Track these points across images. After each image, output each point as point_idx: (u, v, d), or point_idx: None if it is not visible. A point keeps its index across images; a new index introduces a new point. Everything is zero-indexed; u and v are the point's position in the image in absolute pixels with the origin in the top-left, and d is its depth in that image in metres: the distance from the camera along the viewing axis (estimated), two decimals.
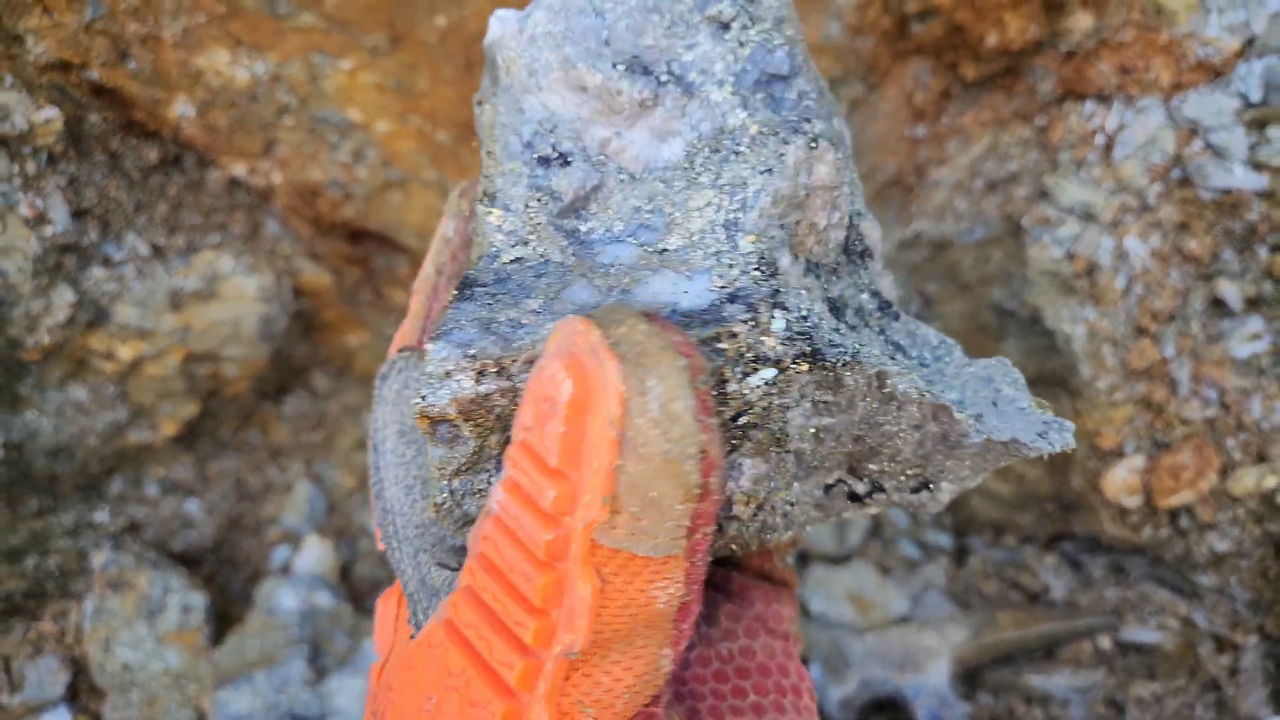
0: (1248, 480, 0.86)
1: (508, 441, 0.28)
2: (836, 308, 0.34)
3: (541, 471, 0.24)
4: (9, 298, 0.81)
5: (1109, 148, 0.91)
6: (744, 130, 0.31)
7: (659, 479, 0.23)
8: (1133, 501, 0.91)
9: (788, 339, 0.28)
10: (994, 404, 0.34)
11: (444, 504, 0.30)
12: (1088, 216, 0.91)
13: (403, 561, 0.35)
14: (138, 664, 0.95)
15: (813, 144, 0.31)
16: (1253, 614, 0.89)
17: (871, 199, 1.05)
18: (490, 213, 0.32)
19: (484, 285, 0.30)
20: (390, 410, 0.35)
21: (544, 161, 0.33)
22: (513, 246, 0.32)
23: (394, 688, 0.29)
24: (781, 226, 0.31)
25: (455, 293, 0.30)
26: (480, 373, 0.27)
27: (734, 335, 0.27)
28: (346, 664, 0.95)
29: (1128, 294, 0.89)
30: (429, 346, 0.27)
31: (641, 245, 0.31)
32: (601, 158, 0.33)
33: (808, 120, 0.31)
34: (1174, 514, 0.91)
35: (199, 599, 0.97)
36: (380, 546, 0.36)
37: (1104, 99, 0.91)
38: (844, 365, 0.29)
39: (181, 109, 0.86)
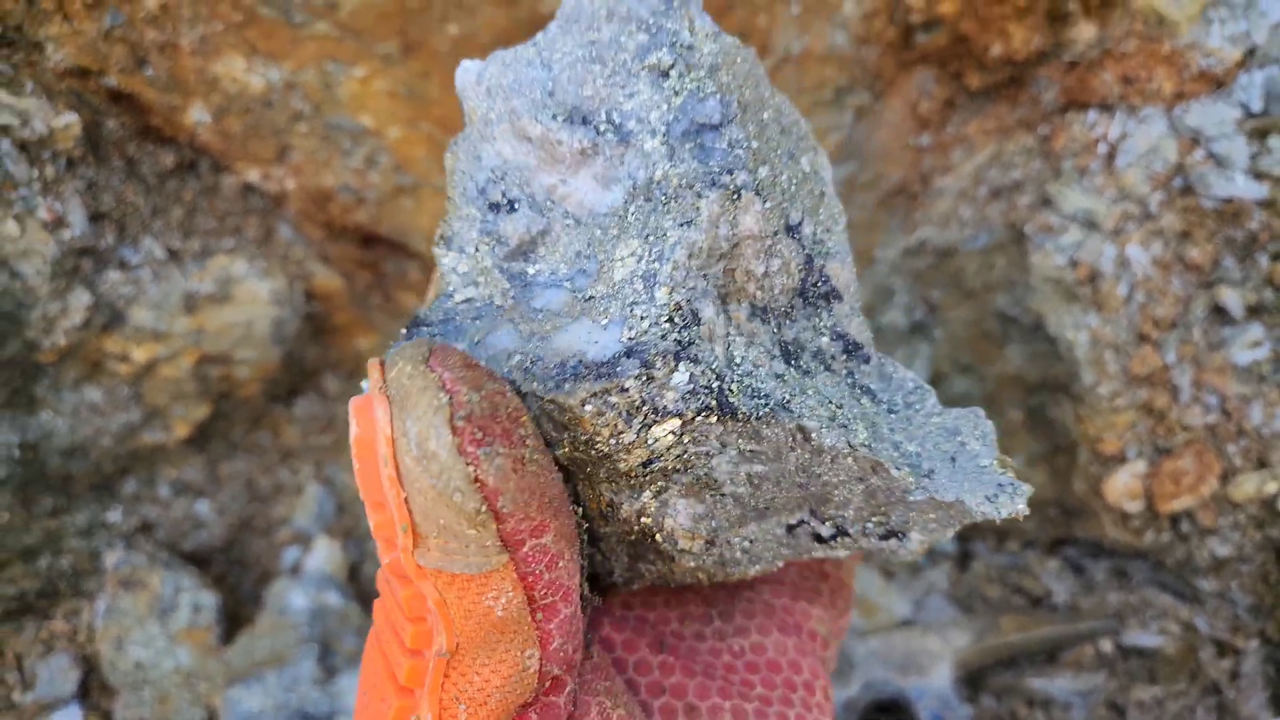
0: (1248, 486, 0.87)
1: None
2: (790, 351, 0.34)
3: (368, 503, 0.27)
4: (27, 300, 0.83)
5: (1111, 156, 0.92)
6: (668, 181, 0.31)
7: (438, 509, 0.25)
8: (1134, 506, 0.92)
9: (689, 393, 0.28)
10: (953, 459, 0.34)
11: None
12: (1090, 224, 0.92)
13: None
14: (149, 662, 0.96)
15: (734, 196, 0.31)
16: (1253, 618, 0.89)
17: (876, 207, 1.06)
18: (446, 255, 0.34)
19: (429, 325, 0.32)
20: None
21: (494, 207, 0.34)
22: (465, 288, 0.33)
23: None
24: (704, 277, 0.31)
25: (404, 330, 0.32)
26: None
27: (624, 390, 0.28)
28: (356, 663, 0.97)
29: (1130, 301, 0.90)
30: (364, 384, 0.29)
31: (574, 291, 0.32)
32: (549, 203, 0.33)
33: (731, 172, 0.31)
34: (1175, 519, 0.92)
35: (210, 598, 0.98)
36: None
37: (1107, 108, 0.92)
38: (758, 418, 0.30)
39: (197, 115, 0.88)
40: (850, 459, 0.31)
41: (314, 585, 1.00)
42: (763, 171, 0.33)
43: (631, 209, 0.32)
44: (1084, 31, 0.89)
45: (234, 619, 1.02)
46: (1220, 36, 0.86)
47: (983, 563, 1.09)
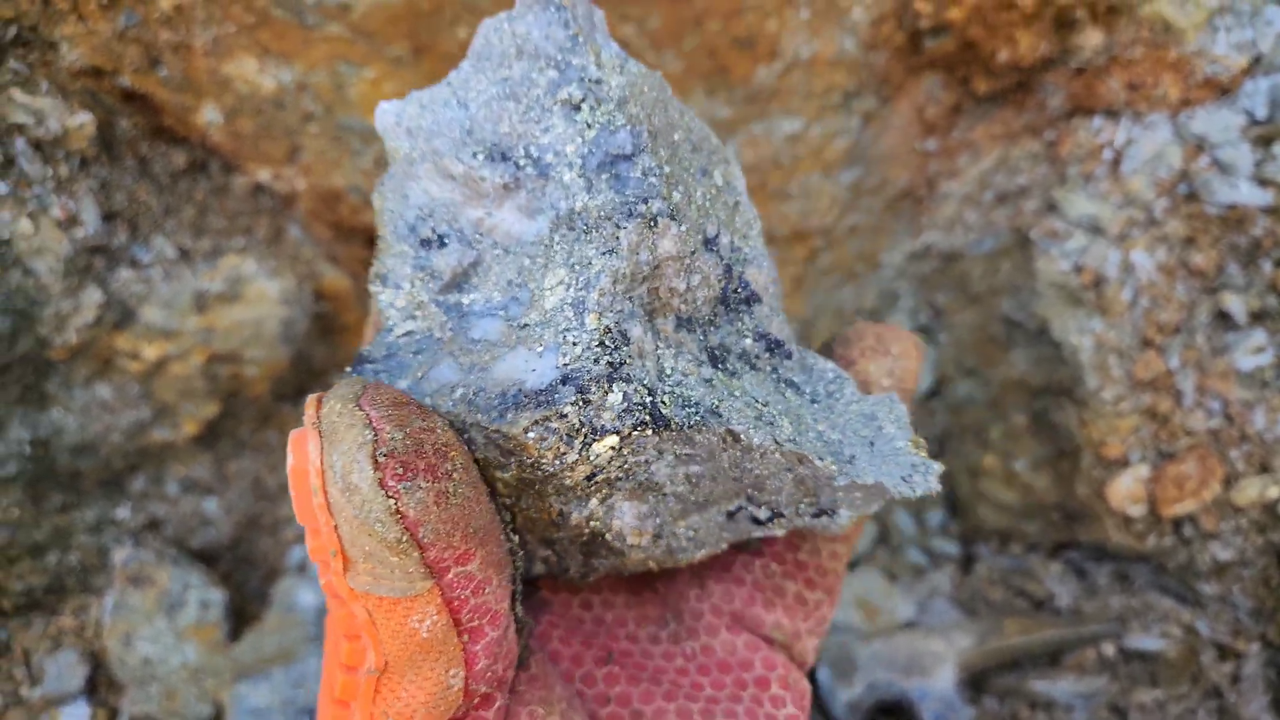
0: (1251, 490, 0.87)
1: None
2: (716, 356, 0.36)
3: (306, 528, 0.29)
4: (40, 297, 0.83)
5: (1117, 162, 0.92)
6: (588, 212, 0.33)
7: (362, 537, 0.27)
8: (1137, 510, 0.92)
9: (624, 410, 0.30)
10: (871, 443, 0.36)
11: None
12: (1095, 230, 0.92)
13: None
14: (157, 658, 0.97)
15: (651, 224, 0.32)
16: (1255, 622, 0.90)
17: (882, 211, 1.07)
18: (382, 292, 0.35)
19: (373, 362, 0.33)
20: None
21: (426, 243, 0.35)
22: (404, 321, 0.35)
23: None
24: (630, 300, 0.32)
25: (350, 368, 0.33)
26: None
27: (564, 416, 0.29)
28: None
29: (1134, 306, 0.91)
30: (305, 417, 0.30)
31: (508, 320, 0.33)
32: (477, 235, 0.35)
33: (646, 200, 0.33)
34: (1178, 523, 0.92)
35: (217, 595, 0.99)
36: None
37: (1113, 114, 0.93)
38: (690, 426, 0.31)
39: (209, 115, 0.88)
40: (777, 454, 0.33)
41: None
42: (676, 195, 0.34)
43: (556, 238, 0.33)
44: (1091, 38, 0.89)
45: (240, 616, 1.02)
46: (1226, 44, 0.86)
47: (986, 566, 1.09)
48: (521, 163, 0.34)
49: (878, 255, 1.11)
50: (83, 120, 0.83)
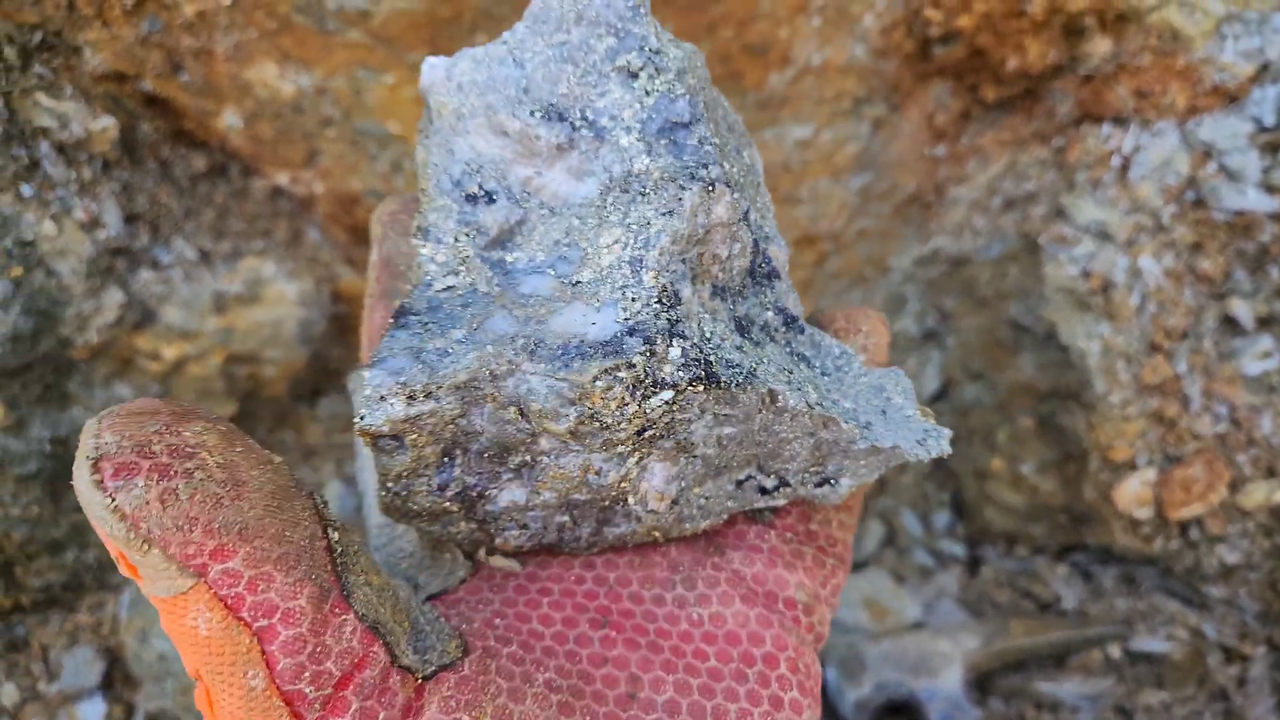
0: (1257, 494, 0.88)
1: (443, 451, 0.33)
2: (742, 325, 0.37)
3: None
4: (62, 298, 0.85)
5: (1125, 169, 0.93)
6: (648, 175, 0.34)
7: (105, 539, 0.28)
8: (1144, 513, 0.93)
9: (683, 365, 0.31)
10: (883, 412, 0.37)
11: (389, 501, 0.34)
12: (1103, 235, 0.93)
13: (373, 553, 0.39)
14: (173, 654, 0.98)
15: (709, 188, 0.34)
16: (1261, 625, 0.91)
17: (891, 216, 1.08)
18: (424, 245, 0.35)
19: (417, 314, 0.33)
20: None
21: (471, 199, 0.35)
22: (445, 276, 0.35)
23: None
24: (683, 261, 0.34)
25: (392, 320, 0.34)
26: (410, 397, 0.31)
27: (632, 365, 0.31)
28: None
29: (1142, 311, 0.92)
30: (365, 374, 0.31)
31: (559, 277, 0.34)
32: (524, 194, 0.36)
33: (705, 166, 0.34)
34: (1184, 526, 0.93)
35: None
36: None
37: (1121, 121, 0.94)
38: (737, 385, 0.33)
39: (229, 120, 0.90)
40: (807, 417, 0.35)
41: None
42: (726, 165, 0.36)
43: (609, 200, 0.34)
44: (1099, 46, 0.90)
45: None
46: (1234, 52, 0.87)
47: (992, 568, 1.10)
48: (577, 124, 0.35)
49: (886, 260, 1.12)
50: (105, 124, 0.84)
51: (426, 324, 0.33)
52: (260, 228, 0.96)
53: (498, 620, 0.36)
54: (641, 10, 0.35)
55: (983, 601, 1.07)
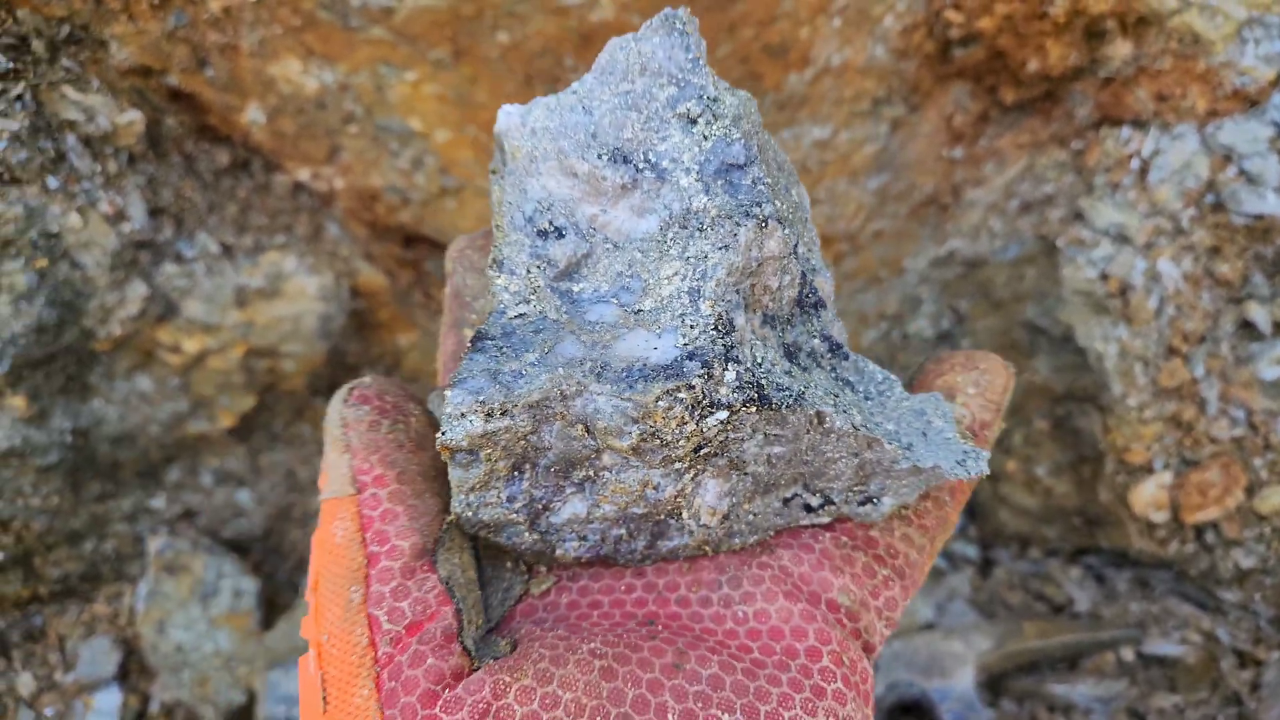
0: (1274, 499, 0.88)
1: (513, 466, 0.36)
2: (791, 352, 0.39)
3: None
4: (86, 290, 0.85)
5: (1144, 172, 0.93)
6: (706, 212, 0.36)
7: (326, 440, 0.38)
8: (1160, 517, 0.93)
9: (737, 388, 0.34)
10: (924, 434, 0.40)
11: (462, 512, 0.37)
12: (1122, 238, 0.93)
13: None
14: (190, 645, 0.99)
15: (763, 225, 0.36)
16: (1275, 630, 0.91)
17: (908, 217, 1.08)
18: (499, 277, 0.39)
19: (493, 339, 0.37)
20: None
21: (543, 234, 0.39)
22: (517, 305, 0.38)
23: None
24: (737, 292, 0.36)
25: (470, 344, 0.37)
26: (488, 414, 0.34)
27: (691, 387, 0.34)
28: None
29: (1159, 315, 0.92)
30: (448, 394, 0.35)
31: (622, 306, 0.37)
32: (591, 230, 0.39)
33: (759, 204, 0.37)
34: (1200, 530, 0.93)
35: (250, 584, 1.01)
36: None
37: (1140, 124, 0.94)
38: (787, 407, 0.35)
39: (253, 115, 0.90)
40: (852, 438, 0.37)
41: None
42: (777, 203, 0.39)
43: (669, 235, 0.37)
44: (1120, 49, 0.90)
45: (272, 605, 1.04)
46: (1254, 56, 0.87)
47: (1005, 569, 1.10)
48: (641, 166, 0.38)
49: (902, 261, 1.12)
50: (131, 118, 0.85)
51: (502, 348, 0.36)
52: (282, 223, 0.97)
53: (547, 619, 0.39)
54: (700, 61, 0.39)
55: (995, 603, 1.07)
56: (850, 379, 0.41)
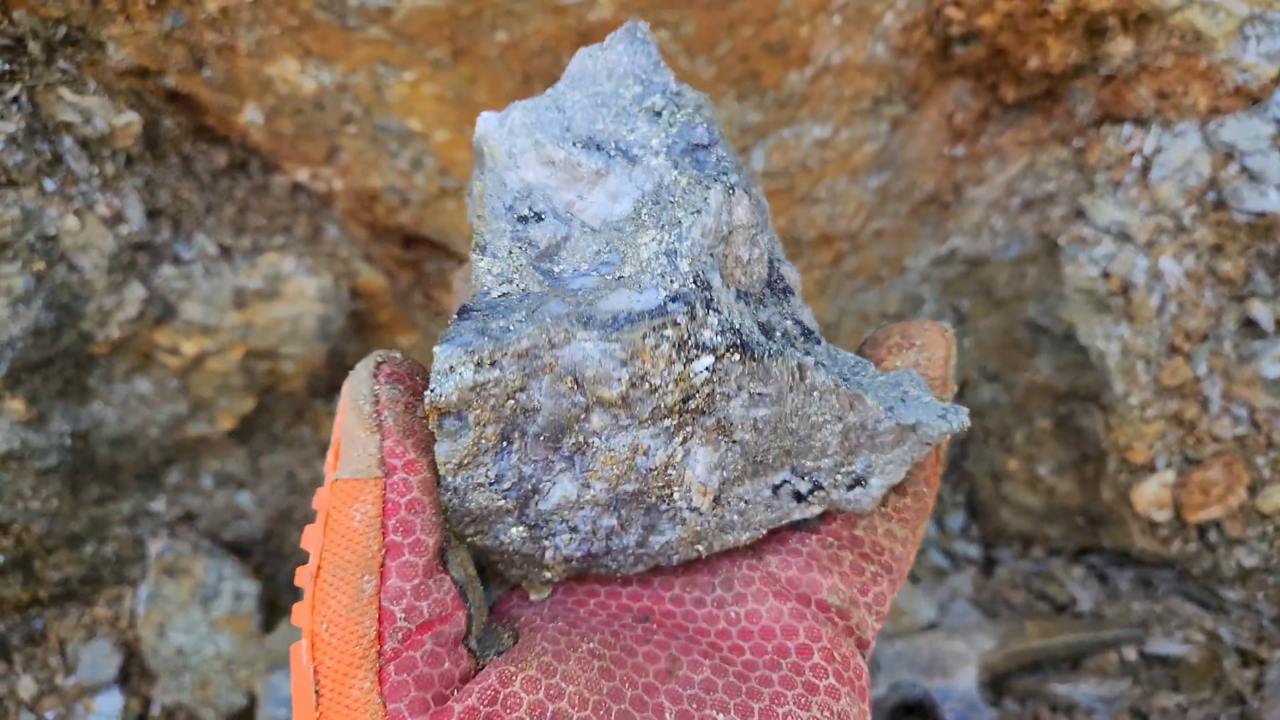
0: (1276, 497, 0.88)
1: (502, 433, 0.36)
2: (765, 330, 0.40)
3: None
4: (84, 293, 0.85)
5: (1146, 170, 0.93)
6: (677, 184, 0.39)
7: (350, 416, 0.35)
8: (1162, 516, 0.93)
9: (720, 332, 0.35)
10: (902, 400, 0.41)
11: (449, 501, 0.37)
12: (1123, 236, 0.93)
13: None
14: (191, 648, 0.98)
15: (730, 190, 0.39)
16: (1278, 629, 0.90)
17: (908, 216, 1.07)
18: (481, 260, 0.40)
19: (478, 310, 0.37)
20: None
21: (523, 220, 0.40)
22: (500, 285, 0.39)
23: None
24: (711, 255, 0.38)
25: (455, 317, 0.38)
26: (478, 364, 0.34)
27: (676, 324, 0.34)
28: None
29: (1162, 313, 0.91)
30: (435, 350, 0.35)
31: (602, 276, 0.38)
32: (569, 215, 0.40)
33: (725, 174, 0.39)
34: (1203, 529, 0.93)
35: (251, 587, 1.01)
36: None
37: (1142, 122, 0.94)
38: (769, 356, 0.37)
39: (250, 115, 0.90)
40: (834, 396, 0.39)
41: None
42: (742, 177, 0.41)
43: (643, 212, 0.39)
44: (1121, 46, 0.90)
45: (273, 608, 1.04)
46: (1256, 53, 0.87)
47: (1007, 569, 1.10)
48: (613, 153, 0.41)
49: (903, 260, 1.12)
50: (128, 119, 0.85)
51: (487, 315, 0.37)
52: (280, 224, 0.97)
53: (545, 609, 0.39)
54: (662, 64, 0.43)
55: (998, 603, 1.07)
56: (824, 362, 0.42)
